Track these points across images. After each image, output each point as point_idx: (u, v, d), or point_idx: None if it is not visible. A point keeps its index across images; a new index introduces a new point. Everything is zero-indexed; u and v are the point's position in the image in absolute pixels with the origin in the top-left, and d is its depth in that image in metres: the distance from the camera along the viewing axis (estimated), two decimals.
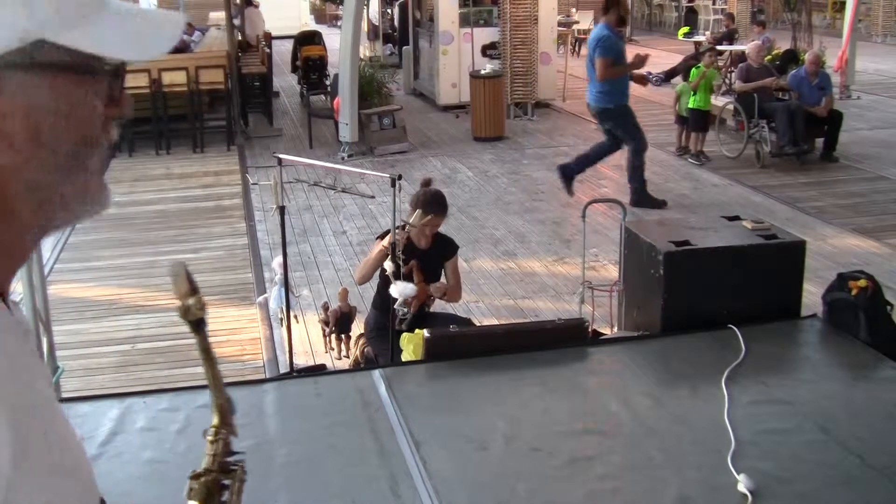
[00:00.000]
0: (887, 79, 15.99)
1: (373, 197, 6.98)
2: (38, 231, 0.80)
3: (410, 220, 4.31)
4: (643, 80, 9.29)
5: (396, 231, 4.24)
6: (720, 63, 13.72)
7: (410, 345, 3.84)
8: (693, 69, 11.17)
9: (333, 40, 14.56)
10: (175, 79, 11.20)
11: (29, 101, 0.72)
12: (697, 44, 16.96)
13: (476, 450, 2.75)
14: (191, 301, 0.93)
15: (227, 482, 1.01)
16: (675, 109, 10.55)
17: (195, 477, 1.00)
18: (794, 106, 9.73)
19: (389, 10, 19.43)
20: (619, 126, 8.30)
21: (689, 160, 10.12)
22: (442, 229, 4.65)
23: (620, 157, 10.60)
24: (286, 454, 2.71)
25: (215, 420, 1.02)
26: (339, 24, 16.51)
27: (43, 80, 0.73)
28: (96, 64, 0.76)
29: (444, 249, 4.60)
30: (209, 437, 1.02)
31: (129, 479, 2.83)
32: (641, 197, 8.33)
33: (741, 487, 2.48)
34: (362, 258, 6.75)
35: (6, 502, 0.66)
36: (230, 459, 1.02)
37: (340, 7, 11.31)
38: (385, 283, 4.38)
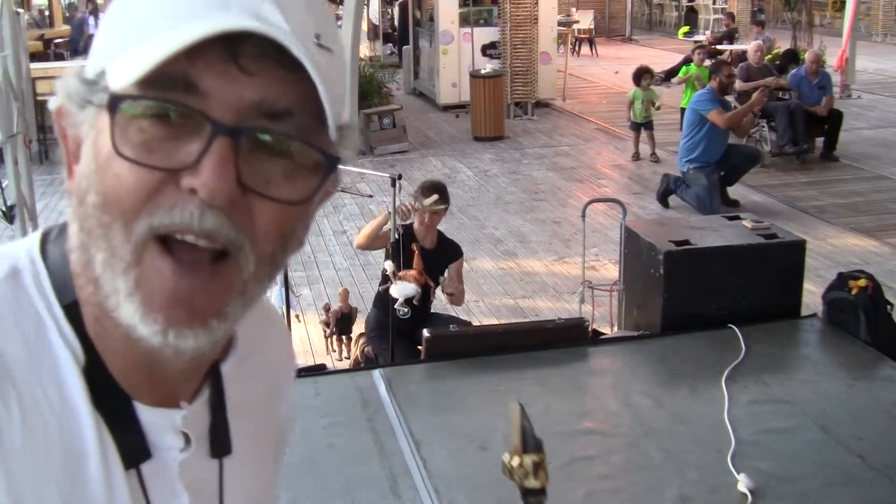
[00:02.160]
0: (887, 78, 15.99)
1: (371, 196, 6.97)
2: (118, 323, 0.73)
3: (424, 203, 4.30)
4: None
5: (397, 210, 4.22)
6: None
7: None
8: (682, 68, 11.15)
9: None
10: None
11: (91, 142, 0.71)
12: (697, 43, 16.97)
13: (476, 450, 2.75)
14: (527, 461, 0.72)
15: None
16: (628, 116, 10.28)
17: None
18: (794, 105, 9.73)
19: (389, 10, 19.43)
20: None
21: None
22: (442, 228, 4.64)
23: (619, 157, 10.64)
24: (286, 454, 2.71)
25: None
26: (339, 23, 16.51)
27: (103, 118, 0.70)
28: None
29: (448, 252, 4.59)
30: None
31: None
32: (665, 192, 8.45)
33: (741, 487, 2.49)
34: (362, 258, 6.76)
35: None
36: None
37: (340, 7, 11.32)
38: (385, 282, 4.37)
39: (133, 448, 0.72)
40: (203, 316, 0.64)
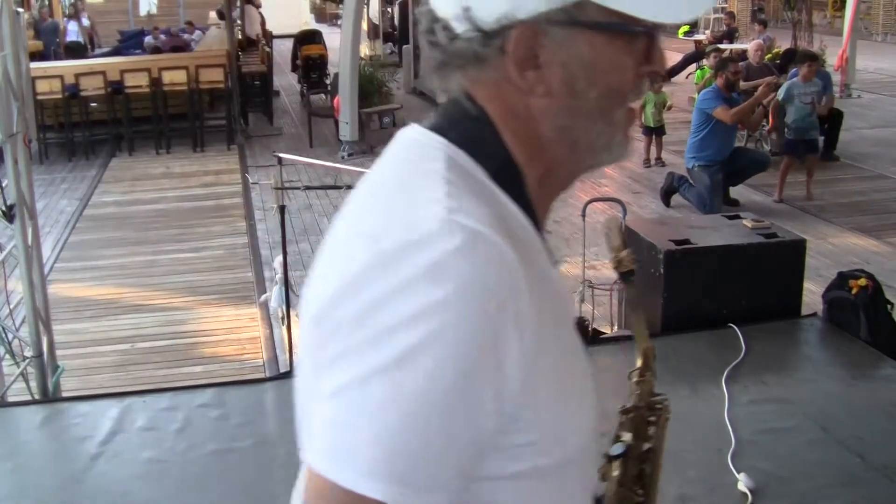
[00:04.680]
0: (888, 77, 15.98)
1: None
2: (571, 170, 0.95)
3: None
4: None
5: None
6: None
7: None
8: (699, 71, 11.11)
9: (333, 39, 14.55)
10: (175, 78, 11.20)
11: (567, 54, 0.83)
12: (698, 42, 16.97)
13: None
14: (623, 254, 1.09)
15: (652, 418, 1.13)
16: (640, 121, 9.81)
17: (625, 412, 1.13)
18: None
19: (389, 9, 19.42)
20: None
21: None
22: None
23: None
24: (286, 454, 2.71)
25: (639, 363, 1.13)
26: (339, 23, 16.51)
27: (581, 36, 0.82)
28: (633, 25, 0.81)
29: None
30: (635, 379, 1.12)
31: (129, 478, 2.83)
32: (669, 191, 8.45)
33: (741, 486, 2.49)
34: None
35: (516, 406, 0.78)
36: (655, 399, 1.13)
37: (340, 6, 11.32)
38: None
39: (552, 255, 0.91)
40: None
